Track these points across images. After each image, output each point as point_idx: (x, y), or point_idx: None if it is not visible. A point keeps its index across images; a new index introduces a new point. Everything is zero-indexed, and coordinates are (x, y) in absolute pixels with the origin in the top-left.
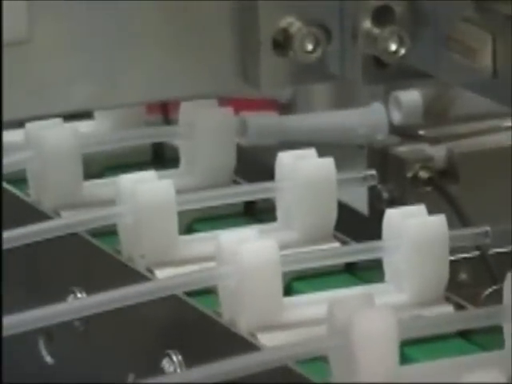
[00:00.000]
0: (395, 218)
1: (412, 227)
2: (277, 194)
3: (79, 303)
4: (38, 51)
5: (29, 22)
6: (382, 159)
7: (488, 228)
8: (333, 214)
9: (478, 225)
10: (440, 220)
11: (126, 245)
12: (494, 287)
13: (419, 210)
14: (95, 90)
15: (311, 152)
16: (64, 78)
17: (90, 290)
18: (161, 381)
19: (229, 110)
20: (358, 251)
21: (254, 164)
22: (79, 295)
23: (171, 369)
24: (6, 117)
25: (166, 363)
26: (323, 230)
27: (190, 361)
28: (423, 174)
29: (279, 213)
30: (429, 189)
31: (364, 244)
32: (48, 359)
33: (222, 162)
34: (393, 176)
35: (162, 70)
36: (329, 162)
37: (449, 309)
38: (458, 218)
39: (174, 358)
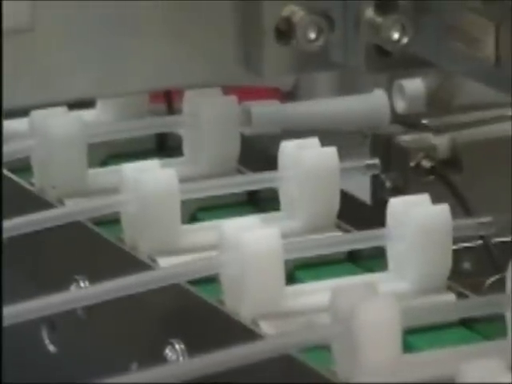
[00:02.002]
0: (399, 206)
1: (416, 216)
2: (280, 183)
3: (82, 292)
4: (40, 39)
5: (31, 10)
6: (385, 148)
7: (491, 218)
8: (335, 203)
9: (480, 214)
10: (443, 209)
11: (130, 233)
12: (497, 276)
13: (423, 199)
14: (98, 78)
15: (314, 141)
16: (67, 66)
17: (93, 278)
18: (163, 369)
19: (233, 99)
20: (361, 239)
21: (258, 153)
22: (82, 284)
23: (174, 357)
24: (9, 105)
25: (168, 352)
26: (326, 219)
27: (193, 349)
28: (426, 163)
29: (282, 202)
30: (431, 178)
31: (367, 232)
32: (51, 348)
33: (226, 151)
34: (396, 165)
35: (164, 59)
36: (332, 151)
37: (451, 297)
38: (461, 207)
39: (177, 347)
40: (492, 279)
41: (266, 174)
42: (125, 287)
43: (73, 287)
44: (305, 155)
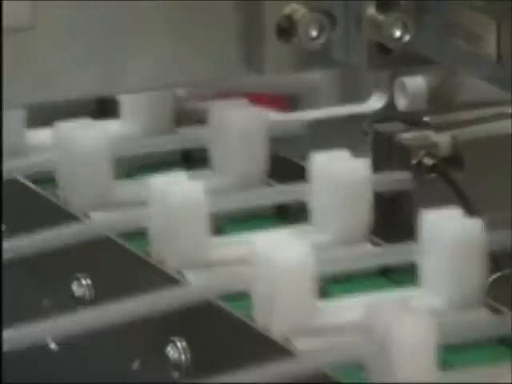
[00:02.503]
0: (432, 220)
1: (450, 231)
2: (311, 196)
3: (107, 310)
4: (41, 38)
5: (32, 9)
6: (386, 146)
7: (493, 216)
8: (368, 216)
9: (481, 212)
10: (477, 223)
11: (157, 247)
12: (498, 274)
13: (456, 213)
14: (99, 77)
15: (345, 154)
16: (68, 65)
17: (122, 293)
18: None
19: (262, 111)
20: (393, 253)
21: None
22: (83, 282)
23: (175, 356)
24: (9, 104)
25: (170, 349)
26: (358, 231)
27: (226, 367)
28: (427, 161)
29: (313, 214)
30: (433, 176)
31: (400, 246)
32: (52, 346)
33: (255, 164)
34: (397, 163)
35: (165, 57)
36: (364, 164)
37: (482, 314)
38: (462, 204)
39: (179, 345)
40: (493, 277)
41: (297, 187)
42: (153, 304)
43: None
44: (337, 167)
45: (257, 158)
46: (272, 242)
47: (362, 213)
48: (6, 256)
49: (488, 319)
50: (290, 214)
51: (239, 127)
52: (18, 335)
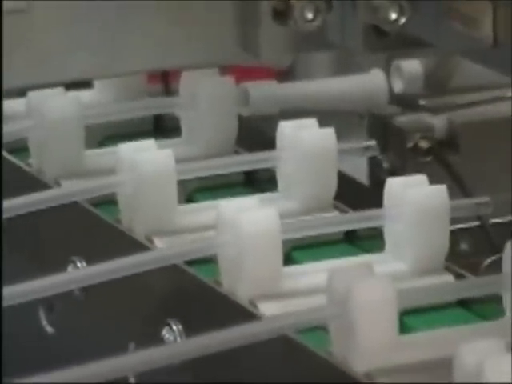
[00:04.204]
0: (396, 187)
1: (413, 196)
2: (278, 163)
3: (79, 273)
4: (38, 21)
5: None
6: (382, 129)
7: (488, 198)
8: (333, 184)
9: (477, 195)
10: (441, 190)
11: (126, 214)
12: (494, 257)
13: (420, 179)
14: (95, 59)
15: (312, 122)
16: (64, 47)
17: (90, 259)
18: (161, 350)
19: (230, 80)
20: (358, 219)
21: (255, 134)
22: (79, 264)
23: (171, 338)
24: (7, 85)
25: (166, 332)
26: (323, 199)
27: (191, 330)
28: (423, 144)
29: (280, 182)
30: (429, 159)
31: (364, 212)
32: (48, 329)
33: (224, 132)
34: (393, 146)
35: (162, 40)
36: (330, 132)
37: (449, 278)
38: (458, 187)
39: (174, 327)
40: (489, 260)
41: (264, 154)
42: (122, 268)
43: (70, 268)
44: (303, 136)
45: (225, 125)
46: (239, 208)
47: (328, 180)
48: None
49: (449, 283)
50: (259, 182)
51: (209, 95)
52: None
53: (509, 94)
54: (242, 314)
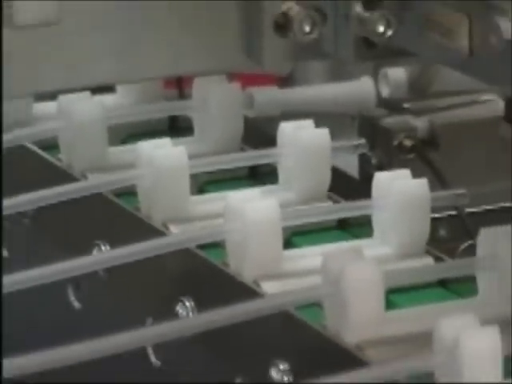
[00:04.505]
0: (383, 180)
1: (398, 189)
2: (278, 159)
3: (103, 256)
4: (67, 30)
5: (58, 6)
6: (371, 129)
7: (464, 190)
8: (327, 178)
9: (454, 187)
10: (422, 182)
11: (145, 204)
12: (469, 242)
13: (404, 173)
14: (118, 66)
15: (309, 122)
16: (91, 54)
17: (113, 243)
18: (174, 324)
19: (237, 85)
20: (349, 209)
21: (259, 133)
22: (103, 248)
23: (184, 313)
24: (40, 89)
25: (179, 308)
26: (319, 191)
27: (201, 306)
28: (407, 143)
29: (280, 176)
30: (412, 156)
31: (355, 202)
32: (76, 304)
33: (231, 132)
34: (380, 144)
35: (176, 49)
36: (324, 132)
37: (429, 261)
38: (437, 181)
39: (187, 304)
40: (465, 245)
41: (266, 151)
42: (141, 251)
43: (95, 251)
44: (301, 135)
45: (232, 126)
46: (244, 198)
47: (323, 174)
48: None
49: (429, 266)
50: (262, 176)
51: (218, 99)
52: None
53: (482, 98)
54: (247, 292)
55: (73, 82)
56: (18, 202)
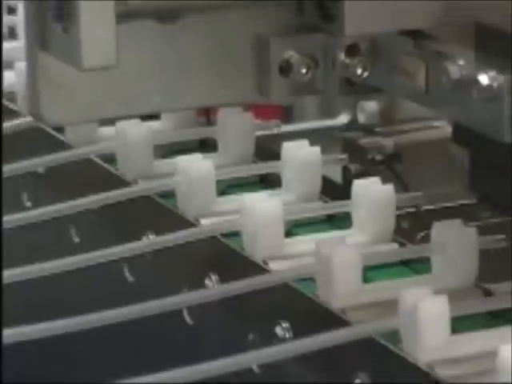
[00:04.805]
0: (360, 185)
1: (371, 192)
2: (282, 170)
3: (150, 242)
4: (125, 72)
5: (116, 52)
6: (351, 147)
7: (421, 193)
8: (318, 184)
9: (413, 190)
10: (389, 187)
11: (181, 203)
12: (425, 232)
13: (376, 180)
14: (161, 100)
15: (305, 142)
16: (143, 90)
17: (158, 232)
18: (198, 293)
19: (250, 115)
20: (335, 207)
21: (266, 150)
22: (150, 236)
23: (210, 284)
24: (104, 116)
25: (207, 281)
26: (312, 193)
27: (224, 280)
28: (378, 157)
29: (283, 182)
30: (382, 167)
31: (339, 202)
32: (130, 279)
33: (245, 149)
34: (358, 158)
35: (206, 86)
36: (317, 149)
37: (395, 246)
38: (401, 186)
39: (213, 278)
40: (422, 234)
41: (273, 163)
42: (178, 238)
43: (144, 238)
44: (299, 151)
45: (246, 145)
46: (255, 199)
47: (315, 181)
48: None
49: (395, 249)
50: (269, 182)
51: (235, 124)
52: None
53: (435, 124)
54: (258, 269)
55: (128, 111)
56: (86, 202)
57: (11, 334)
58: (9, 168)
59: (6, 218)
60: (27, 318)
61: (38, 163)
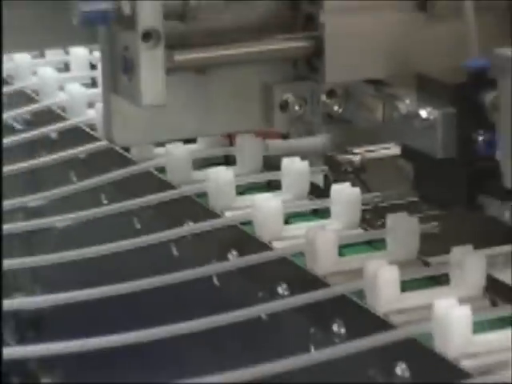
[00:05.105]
0: (336, 188)
1: (343, 193)
2: (282, 177)
3: (188, 228)
4: (171, 107)
5: (165, 94)
6: (330, 161)
7: (379, 193)
8: (307, 187)
9: (374, 191)
10: (357, 190)
11: (212, 201)
12: (382, 220)
13: (347, 185)
14: (198, 127)
15: (297, 158)
16: (182, 121)
17: (196, 221)
18: (220, 265)
19: (260, 138)
20: (318, 203)
21: (271, 164)
22: (189, 224)
23: (231, 258)
24: (154, 140)
25: (230, 256)
26: (303, 194)
27: (241, 255)
28: (349, 169)
29: (283, 186)
30: (351, 176)
31: (322, 200)
32: (175, 252)
33: (256, 163)
34: (335, 169)
35: (227, 118)
36: (305, 163)
37: (360, 231)
38: (365, 189)
39: (234, 253)
40: (379, 222)
41: (276, 173)
42: (208, 226)
43: (185, 225)
44: (294, 164)
45: (257, 160)
46: (263, 198)
47: (304, 185)
48: None
49: (360, 232)
50: (273, 186)
51: (249, 145)
52: None
53: (388, 145)
54: (265, 247)
55: (173, 136)
56: (146, 200)
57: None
58: (98, 179)
59: (97, 210)
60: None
61: (113, 176)
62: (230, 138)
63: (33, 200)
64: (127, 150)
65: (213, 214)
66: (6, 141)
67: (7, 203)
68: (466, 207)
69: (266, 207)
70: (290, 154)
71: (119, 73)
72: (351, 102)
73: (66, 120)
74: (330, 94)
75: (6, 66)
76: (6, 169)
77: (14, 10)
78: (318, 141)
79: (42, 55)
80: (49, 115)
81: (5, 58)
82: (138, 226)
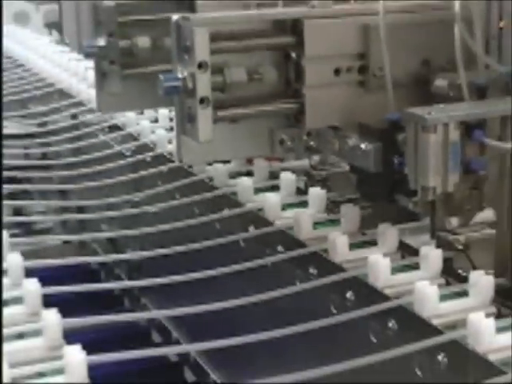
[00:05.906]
0: (312, 190)
1: (316, 192)
2: (280, 183)
3: (227, 213)
4: (216, 141)
5: (212, 134)
6: (308, 174)
7: (336, 193)
8: (294, 188)
9: (333, 191)
10: (323, 191)
11: (240, 198)
12: (338, 209)
13: (318, 188)
14: (232, 153)
15: (289, 172)
16: (222, 150)
17: (230, 208)
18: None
19: (267, 161)
20: (301, 198)
21: (274, 175)
22: (227, 210)
23: (247, 236)
24: (204, 161)
25: (250, 229)
26: (292, 192)
27: (256, 228)
28: (319, 178)
29: (281, 188)
30: (320, 183)
31: (303, 196)
32: (218, 226)
33: (265, 175)
34: (311, 178)
35: (248, 148)
36: (293, 175)
37: (325, 215)
38: (328, 190)
39: (251, 229)
40: (336, 210)
41: (276, 181)
42: (233, 213)
43: (225, 211)
44: (286, 176)
45: (265, 173)
46: (269, 195)
47: (292, 188)
48: None
49: (326, 216)
50: (275, 188)
51: (260, 165)
52: None
53: (343, 164)
54: (270, 223)
55: (217, 158)
56: (198, 198)
57: None
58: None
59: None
60: None
61: (179, 184)
62: (250, 160)
63: (136, 196)
64: (190, 166)
65: (238, 204)
66: (120, 162)
67: (122, 198)
68: (387, 201)
69: (270, 199)
70: (285, 170)
71: (186, 122)
72: (321, 140)
73: (156, 150)
74: (308, 134)
75: (120, 119)
76: (120, 179)
77: (129, 86)
78: (302, 163)
79: (142, 113)
80: (145, 147)
81: (121, 114)
82: (194, 213)
